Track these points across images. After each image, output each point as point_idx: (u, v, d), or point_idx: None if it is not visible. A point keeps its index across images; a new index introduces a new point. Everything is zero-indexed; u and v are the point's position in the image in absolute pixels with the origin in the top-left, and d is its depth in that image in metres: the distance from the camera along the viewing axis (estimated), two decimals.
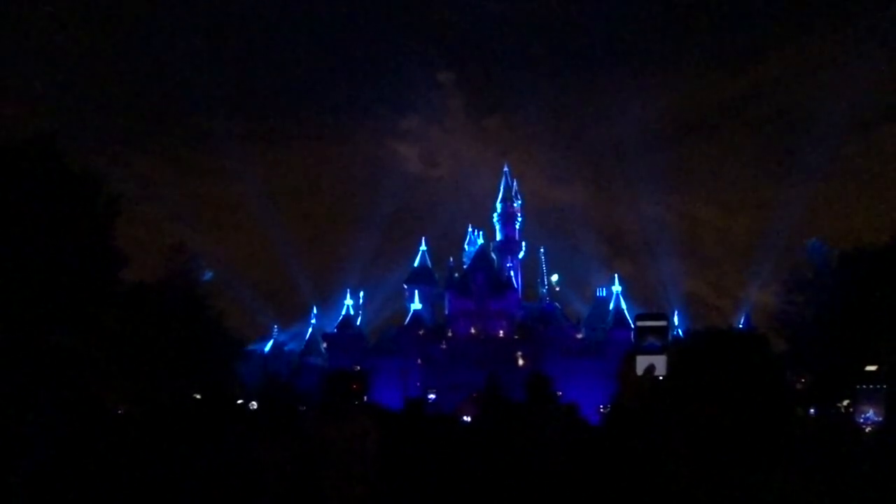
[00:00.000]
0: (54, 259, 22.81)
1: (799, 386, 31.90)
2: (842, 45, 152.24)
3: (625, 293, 74.20)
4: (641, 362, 1.67)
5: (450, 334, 71.84)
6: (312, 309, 77.95)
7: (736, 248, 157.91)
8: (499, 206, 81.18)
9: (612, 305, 73.29)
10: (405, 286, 78.93)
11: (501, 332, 71.04)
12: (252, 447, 4.97)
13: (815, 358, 31.99)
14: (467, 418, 15.30)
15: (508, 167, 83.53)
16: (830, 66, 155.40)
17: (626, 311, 71.20)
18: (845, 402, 28.64)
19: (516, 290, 75.45)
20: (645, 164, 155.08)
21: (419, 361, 69.64)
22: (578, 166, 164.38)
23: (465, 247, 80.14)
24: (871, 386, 28.03)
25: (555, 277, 78.93)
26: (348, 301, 75.99)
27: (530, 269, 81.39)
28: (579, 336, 71.65)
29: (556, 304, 77.17)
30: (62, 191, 23.99)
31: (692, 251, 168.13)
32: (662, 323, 1.71)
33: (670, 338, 1.70)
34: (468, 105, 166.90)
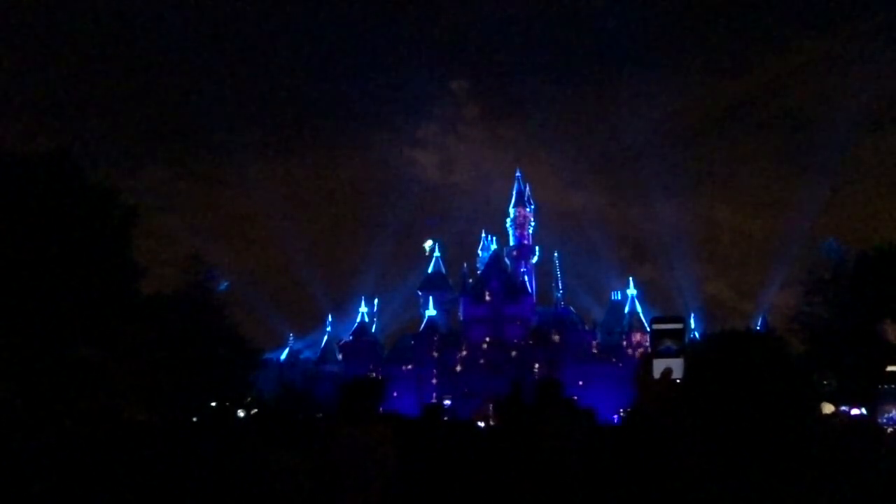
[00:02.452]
0: (73, 272, 23.08)
1: (830, 388, 31.52)
2: (854, 44, 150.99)
3: (642, 297, 73.90)
4: (658, 365, 1.67)
5: (465, 341, 71.64)
6: (327, 317, 78.39)
7: (755, 250, 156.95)
8: (511, 211, 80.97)
9: (627, 309, 72.85)
10: (419, 292, 78.92)
11: (516, 337, 70.73)
12: (268, 454, 5.00)
13: (836, 359, 31.65)
14: (482, 424, 15.26)
15: (521, 172, 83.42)
16: (843, 66, 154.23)
17: (641, 315, 70.70)
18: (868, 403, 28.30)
19: (531, 294, 75.17)
20: (660, 166, 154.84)
21: (434, 368, 69.56)
22: (593, 170, 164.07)
23: (479, 252, 79.94)
24: (892, 386, 27.63)
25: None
26: (363, 309, 76.22)
27: (545, 273, 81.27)
28: (595, 341, 71.21)
29: (571, 308, 76.89)
30: (79, 204, 24.27)
31: (710, 254, 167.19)
32: (678, 326, 1.71)
33: (687, 341, 1.71)
34: (482, 112, 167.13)
